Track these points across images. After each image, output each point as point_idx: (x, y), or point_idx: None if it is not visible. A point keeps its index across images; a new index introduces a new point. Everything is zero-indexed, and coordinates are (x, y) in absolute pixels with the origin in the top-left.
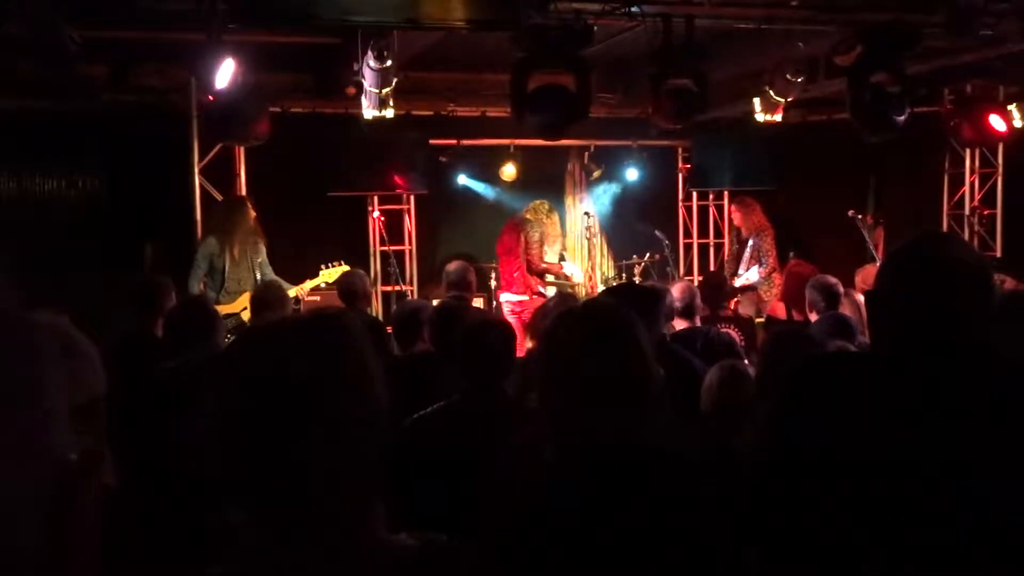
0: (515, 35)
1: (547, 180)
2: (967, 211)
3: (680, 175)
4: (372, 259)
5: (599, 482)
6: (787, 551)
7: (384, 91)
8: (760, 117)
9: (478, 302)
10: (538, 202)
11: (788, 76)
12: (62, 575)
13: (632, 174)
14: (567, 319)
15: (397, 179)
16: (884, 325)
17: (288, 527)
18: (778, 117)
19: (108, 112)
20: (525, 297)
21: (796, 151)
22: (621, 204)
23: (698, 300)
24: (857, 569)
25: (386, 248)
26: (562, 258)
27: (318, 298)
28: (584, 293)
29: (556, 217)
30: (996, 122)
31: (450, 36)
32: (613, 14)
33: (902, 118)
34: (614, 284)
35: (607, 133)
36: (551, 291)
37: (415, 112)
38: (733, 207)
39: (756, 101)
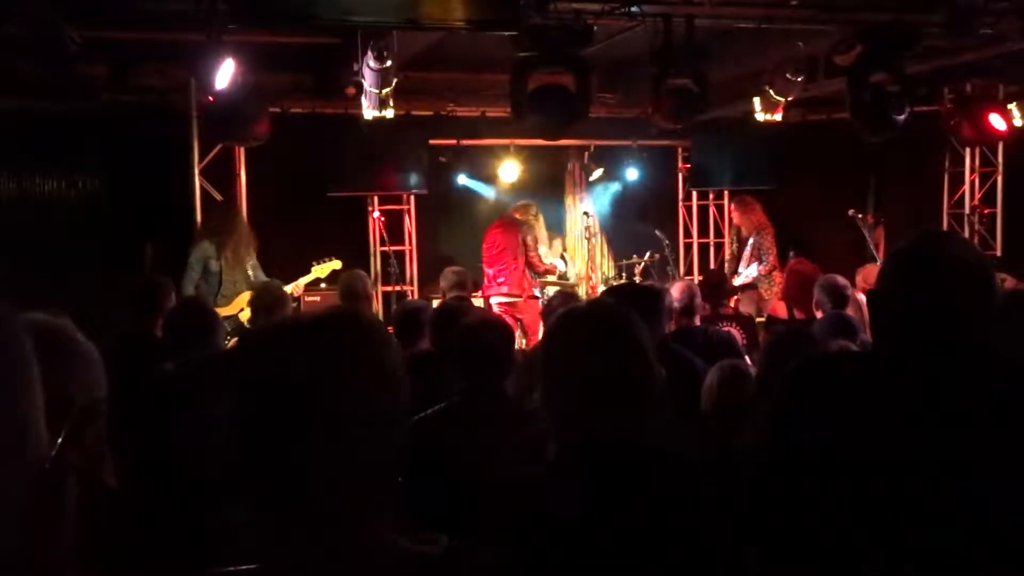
0: (515, 35)
1: (547, 180)
2: (967, 210)
3: (680, 175)
4: (372, 259)
5: (600, 482)
6: (787, 551)
7: (384, 91)
8: (760, 117)
9: (478, 302)
10: (525, 203)
11: (788, 76)
12: None
13: (632, 174)
14: (569, 319)
15: (397, 179)
16: (885, 324)
17: (289, 528)
18: (778, 117)
19: (108, 112)
20: (519, 298)
21: (796, 151)
22: (621, 204)
23: (698, 299)
24: (857, 569)
25: (386, 248)
26: (563, 259)
27: (318, 298)
28: (584, 293)
29: (542, 218)
30: (996, 121)
31: (450, 36)
32: (613, 14)
33: (902, 117)
34: (614, 284)
35: (607, 133)
36: (550, 291)
37: (415, 112)
38: (733, 207)
39: (756, 101)
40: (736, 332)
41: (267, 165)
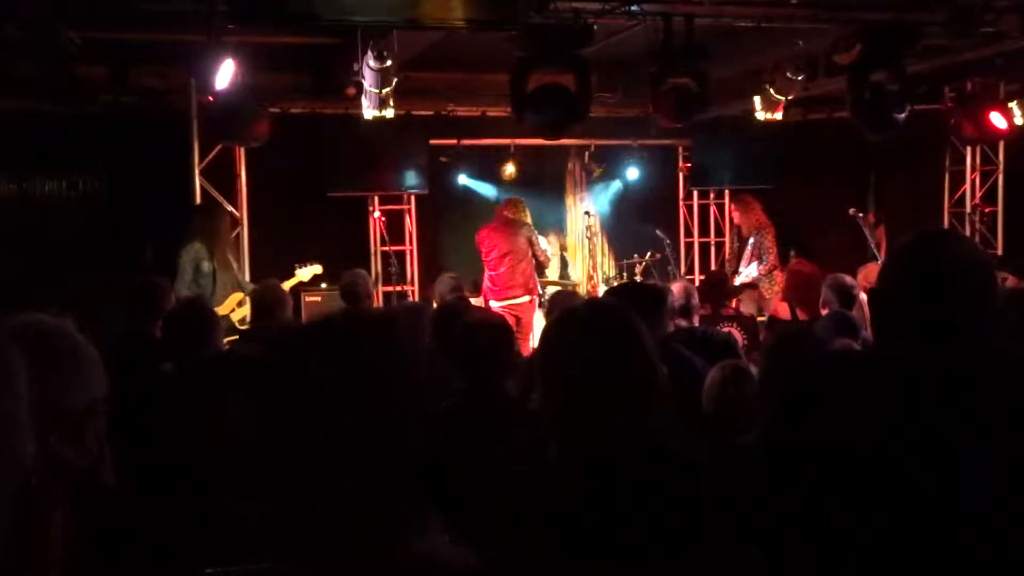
0: (515, 35)
1: (547, 180)
2: (968, 209)
3: (680, 174)
4: (373, 259)
5: (601, 482)
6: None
7: (384, 91)
8: (760, 116)
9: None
10: (512, 200)
11: (788, 74)
12: None
13: (632, 173)
14: (570, 319)
15: (397, 179)
16: (886, 323)
17: (312, 528)
18: (778, 116)
19: (108, 112)
20: (527, 298)
21: (797, 149)
22: (622, 203)
23: (695, 300)
24: (857, 569)
25: (387, 248)
26: (564, 258)
27: (319, 298)
28: (585, 293)
29: (528, 210)
30: (997, 119)
31: (450, 36)
32: (613, 13)
33: (902, 116)
34: (615, 284)
35: (607, 132)
36: (550, 290)
37: (415, 112)
38: (733, 206)
39: (756, 100)
40: (737, 332)
41: (267, 165)
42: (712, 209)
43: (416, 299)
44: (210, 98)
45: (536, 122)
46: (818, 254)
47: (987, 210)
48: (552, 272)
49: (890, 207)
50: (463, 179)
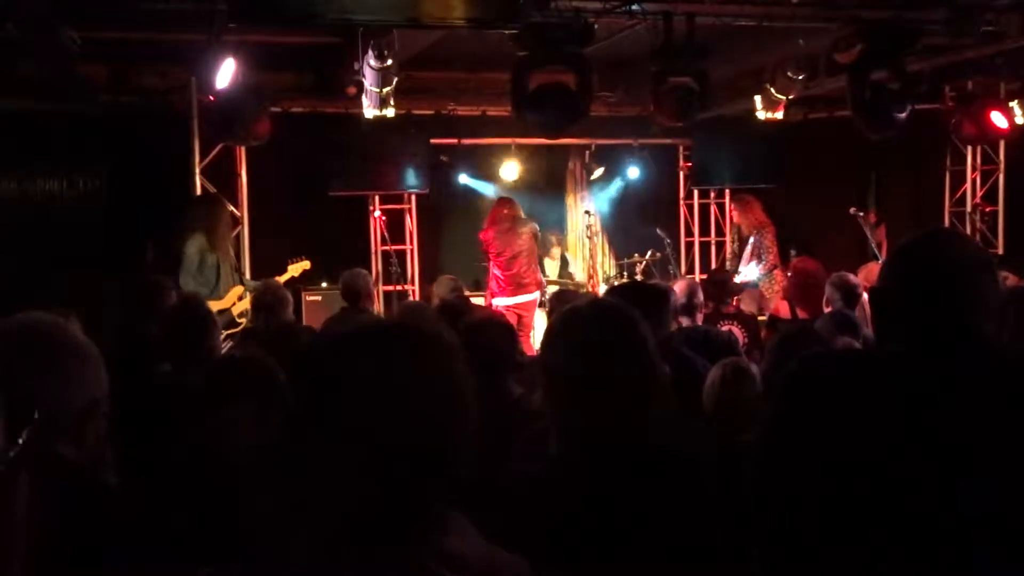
0: (516, 33)
1: (548, 179)
2: (969, 208)
3: (681, 173)
4: (373, 259)
5: (603, 481)
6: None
7: (385, 90)
8: (761, 115)
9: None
10: (507, 199)
11: (789, 74)
12: None
13: (633, 172)
14: (573, 318)
15: (398, 179)
16: (887, 322)
17: (341, 528)
18: (779, 115)
19: (108, 112)
20: (536, 294)
21: (797, 149)
22: (622, 203)
23: (699, 298)
24: (857, 569)
25: (387, 248)
26: (564, 258)
27: (319, 298)
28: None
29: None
30: (997, 119)
31: (451, 35)
32: (614, 12)
33: (903, 115)
34: (616, 283)
35: (608, 132)
36: (550, 289)
37: (416, 112)
38: (733, 206)
39: (757, 99)
40: (738, 331)
41: (267, 165)
42: (712, 208)
43: (416, 299)
44: (211, 97)
45: (536, 121)
46: (819, 254)
47: (988, 209)
48: (552, 272)
49: (891, 206)
50: (464, 178)
